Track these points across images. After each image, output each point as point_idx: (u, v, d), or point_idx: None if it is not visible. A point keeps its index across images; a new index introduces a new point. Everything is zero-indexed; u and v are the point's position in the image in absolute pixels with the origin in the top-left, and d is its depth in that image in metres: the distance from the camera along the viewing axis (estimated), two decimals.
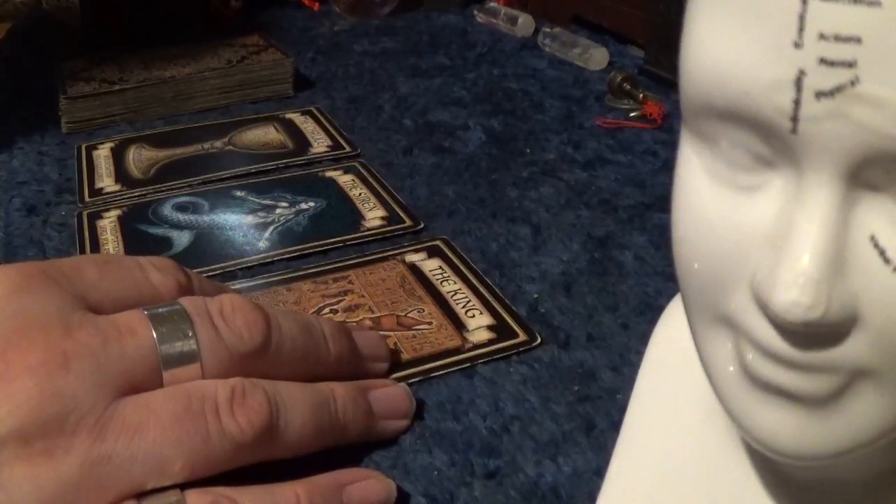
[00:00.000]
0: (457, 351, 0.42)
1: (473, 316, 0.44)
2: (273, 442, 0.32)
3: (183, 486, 0.30)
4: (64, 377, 0.28)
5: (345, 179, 0.60)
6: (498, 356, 0.42)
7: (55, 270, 0.32)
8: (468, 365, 0.41)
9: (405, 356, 0.42)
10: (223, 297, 0.34)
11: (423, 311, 0.45)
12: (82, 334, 0.30)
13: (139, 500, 0.29)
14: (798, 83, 0.17)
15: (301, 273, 0.49)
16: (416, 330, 0.43)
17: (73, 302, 0.31)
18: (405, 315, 0.45)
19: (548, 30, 0.86)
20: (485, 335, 0.43)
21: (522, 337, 0.43)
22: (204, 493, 0.30)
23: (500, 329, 0.43)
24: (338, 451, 0.35)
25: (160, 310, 0.32)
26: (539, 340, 0.43)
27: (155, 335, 0.31)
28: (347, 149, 0.66)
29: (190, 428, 0.30)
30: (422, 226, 0.54)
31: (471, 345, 0.42)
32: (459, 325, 0.44)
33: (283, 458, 0.33)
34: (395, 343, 0.42)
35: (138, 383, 0.30)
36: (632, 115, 0.69)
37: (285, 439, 0.32)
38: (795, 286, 0.17)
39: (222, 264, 0.50)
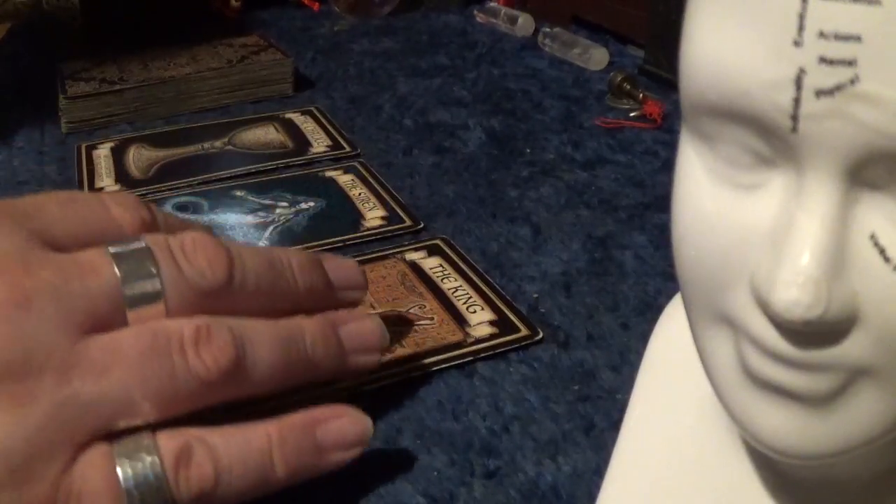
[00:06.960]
0: (459, 345, 0.42)
1: (475, 311, 0.44)
2: (240, 380, 0.31)
3: (155, 427, 0.30)
4: (26, 317, 0.28)
5: (345, 179, 0.60)
6: (500, 350, 0.42)
7: (13, 208, 0.31)
8: (471, 359, 0.41)
9: (407, 351, 0.42)
10: (185, 235, 0.33)
11: (425, 307, 0.45)
12: (43, 273, 0.29)
13: (110, 443, 0.29)
14: (798, 82, 0.16)
15: None
16: (417, 325, 0.44)
17: (33, 239, 0.30)
18: (407, 311, 0.45)
19: (548, 30, 0.86)
20: (486, 330, 0.43)
21: (524, 332, 0.43)
22: (174, 434, 0.29)
23: (501, 324, 0.43)
24: None
25: (123, 248, 0.31)
26: (541, 335, 0.43)
27: (119, 273, 0.30)
28: (347, 149, 0.66)
29: (156, 367, 0.29)
30: (422, 226, 0.54)
31: (473, 339, 0.42)
32: (461, 321, 0.44)
33: (253, 396, 0.32)
34: (397, 339, 0.42)
35: (102, 322, 0.29)
36: (632, 115, 0.69)
37: (253, 377, 0.31)
38: (795, 285, 0.17)
39: None
